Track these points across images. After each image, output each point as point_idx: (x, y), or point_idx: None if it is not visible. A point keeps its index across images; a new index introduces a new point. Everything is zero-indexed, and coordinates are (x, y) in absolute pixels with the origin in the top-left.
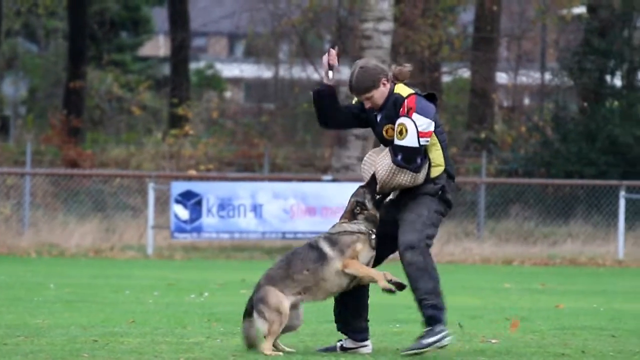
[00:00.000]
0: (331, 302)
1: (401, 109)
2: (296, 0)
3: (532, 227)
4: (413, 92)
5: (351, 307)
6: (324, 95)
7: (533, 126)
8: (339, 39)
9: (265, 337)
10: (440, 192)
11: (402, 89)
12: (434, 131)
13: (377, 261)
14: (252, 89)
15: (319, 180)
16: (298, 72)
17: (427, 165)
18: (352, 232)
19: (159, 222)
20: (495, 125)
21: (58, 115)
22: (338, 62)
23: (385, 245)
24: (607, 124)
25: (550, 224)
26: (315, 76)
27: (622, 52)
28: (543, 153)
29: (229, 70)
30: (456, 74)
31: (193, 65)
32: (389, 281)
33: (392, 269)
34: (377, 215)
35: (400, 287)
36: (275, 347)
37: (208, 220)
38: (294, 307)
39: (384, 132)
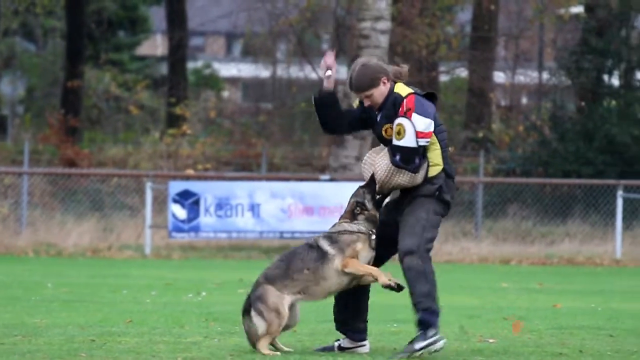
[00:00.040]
0: (330, 302)
1: (400, 109)
2: None
3: (530, 226)
4: (412, 91)
5: (351, 308)
6: (326, 103)
7: (531, 125)
8: (337, 39)
9: (261, 336)
10: (437, 193)
11: (402, 89)
12: (434, 130)
13: (378, 262)
14: (250, 89)
15: (316, 179)
16: (296, 72)
17: (426, 165)
18: (352, 232)
19: (157, 221)
20: (492, 125)
21: (55, 114)
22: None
23: (386, 247)
24: (605, 124)
25: (548, 224)
26: (313, 75)
27: (619, 51)
28: (541, 152)
29: (227, 69)
30: (454, 73)
31: (190, 65)
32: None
33: (392, 270)
34: (377, 215)
35: (399, 288)
36: (273, 346)
37: (206, 219)
38: (291, 306)
39: (383, 132)
